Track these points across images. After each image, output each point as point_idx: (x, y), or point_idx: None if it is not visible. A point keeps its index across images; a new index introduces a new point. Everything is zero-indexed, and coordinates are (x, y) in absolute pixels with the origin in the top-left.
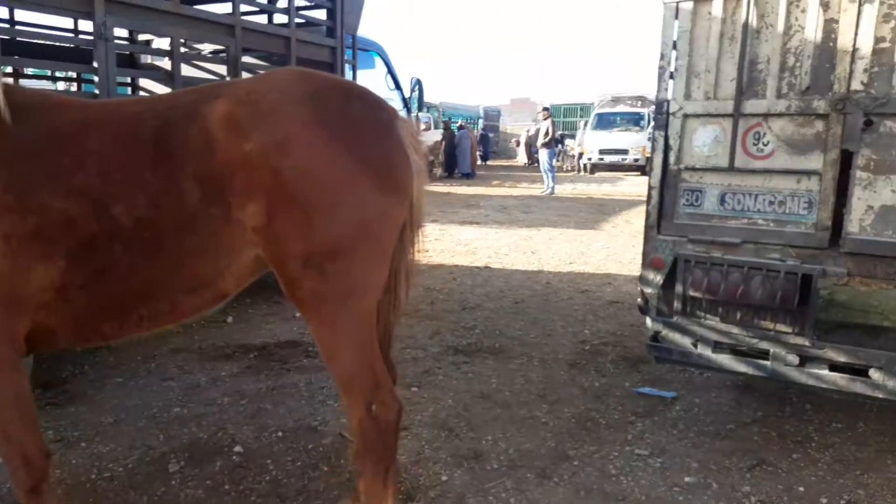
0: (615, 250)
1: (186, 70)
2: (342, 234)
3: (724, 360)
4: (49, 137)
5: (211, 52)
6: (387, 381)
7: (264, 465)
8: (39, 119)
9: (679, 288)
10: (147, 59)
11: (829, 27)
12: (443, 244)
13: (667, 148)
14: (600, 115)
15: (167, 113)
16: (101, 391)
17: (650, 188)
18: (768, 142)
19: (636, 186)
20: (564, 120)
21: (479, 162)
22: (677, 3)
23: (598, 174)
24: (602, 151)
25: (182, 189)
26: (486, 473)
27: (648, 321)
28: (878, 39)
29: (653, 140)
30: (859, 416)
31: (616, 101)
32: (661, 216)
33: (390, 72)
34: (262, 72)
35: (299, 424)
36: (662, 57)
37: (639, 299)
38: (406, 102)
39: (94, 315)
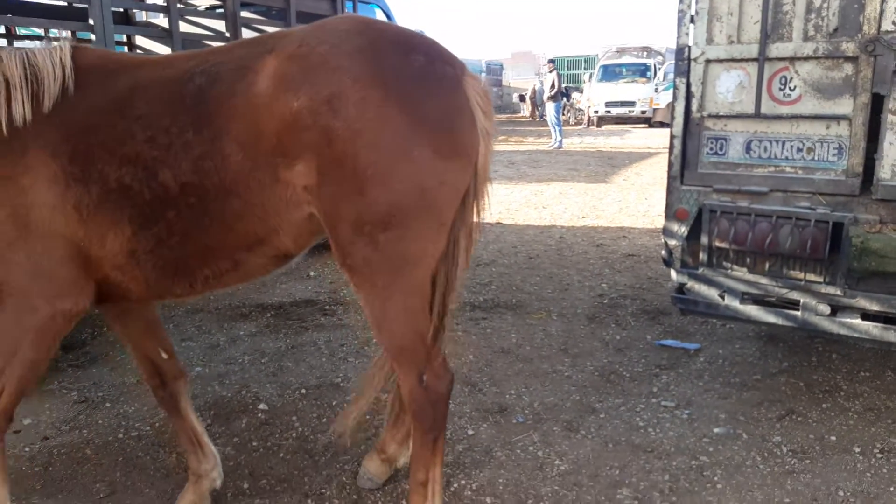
0: (628, 203)
1: (184, 27)
2: (397, 202)
3: (753, 311)
4: (104, 105)
5: (208, 7)
6: (438, 351)
7: (290, 422)
8: (97, 85)
9: (704, 239)
10: (143, 16)
11: None
12: None
13: (689, 95)
14: (605, 67)
15: (215, 69)
16: (122, 352)
17: (672, 137)
18: (795, 86)
19: (644, 139)
20: (569, 73)
21: None
22: None
23: (605, 127)
24: (608, 104)
25: (225, 152)
26: (511, 427)
27: (673, 273)
28: None
29: (674, 87)
30: (887, 365)
31: (621, 52)
32: (684, 166)
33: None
34: (264, 27)
35: (322, 381)
36: (682, 0)
37: (663, 251)
38: None
39: (163, 276)
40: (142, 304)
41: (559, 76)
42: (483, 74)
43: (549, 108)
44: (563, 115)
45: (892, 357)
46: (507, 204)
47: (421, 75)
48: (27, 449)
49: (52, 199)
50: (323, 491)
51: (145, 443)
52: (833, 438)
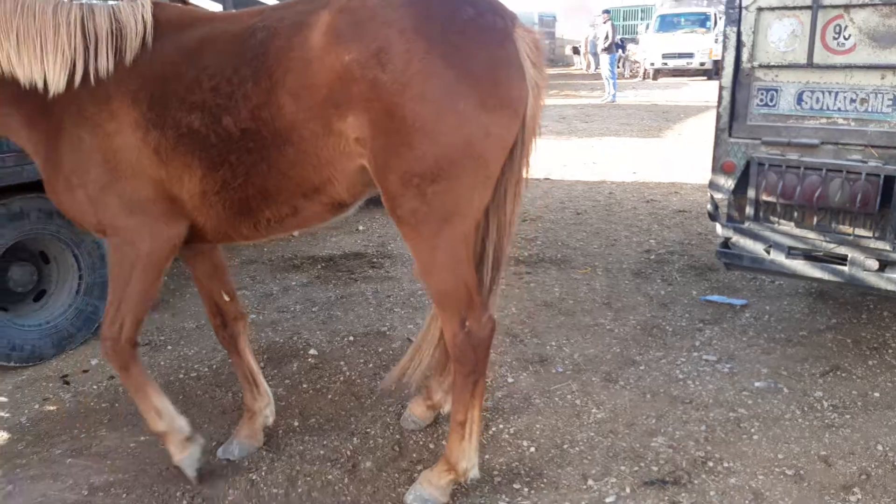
0: (681, 158)
1: None
2: (444, 154)
3: (799, 265)
4: (176, 56)
5: None
6: (481, 298)
7: (338, 367)
8: (172, 38)
9: (752, 192)
10: None
11: None
12: None
13: (739, 45)
14: (663, 17)
15: (275, 25)
16: (182, 300)
17: (721, 89)
18: (850, 35)
19: (702, 92)
20: (624, 23)
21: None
22: None
23: (661, 80)
24: (665, 56)
25: (280, 102)
26: (551, 376)
27: (718, 227)
28: None
29: (724, 37)
30: None
31: (679, 0)
32: (732, 118)
33: None
34: None
35: (369, 330)
36: None
37: (708, 205)
38: None
39: (231, 217)
40: (216, 244)
41: (614, 27)
42: (535, 26)
43: (604, 60)
44: (619, 67)
45: None
46: (556, 159)
47: (469, 27)
48: (95, 387)
49: (135, 143)
50: (368, 430)
51: (203, 383)
52: (877, 395)
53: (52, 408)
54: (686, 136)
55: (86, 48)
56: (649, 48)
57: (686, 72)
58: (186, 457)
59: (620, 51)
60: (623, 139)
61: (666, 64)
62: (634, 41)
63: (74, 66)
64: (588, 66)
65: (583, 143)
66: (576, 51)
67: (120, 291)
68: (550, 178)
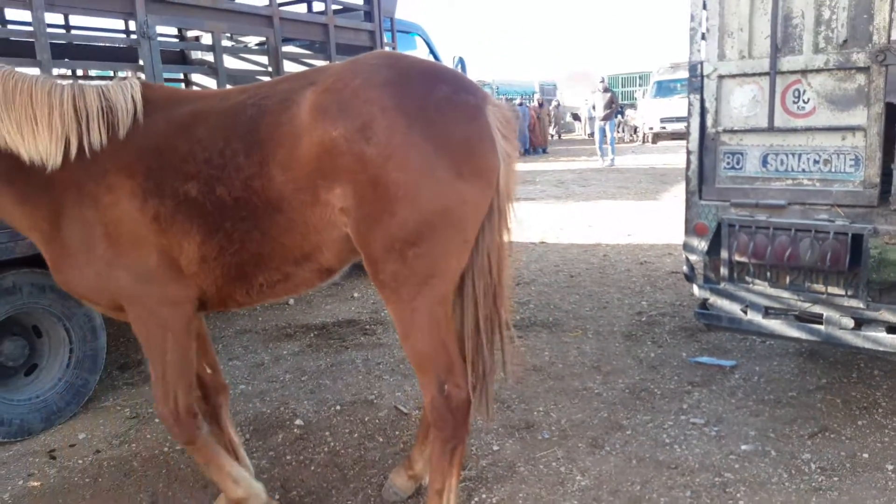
0: (676, 220)
1: (233, 62)
2: (424, 220)
3: (776, 325)
4: (170, 130)
5: (257, 45)
6: (460, 363)
7: (323, 437)
8: (163, 113)
9: (724, 253)
10: (198, 54)
11: None
12: None
13: (703, 111)
14: (660, 83)
15: (263, 102)
16: None
17: (688, 153)
18: (808, 99)
19: None
20: (623, 90)
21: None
22: None
23: (660, 143)
24: (664, 120)
25: (271, 174)
26: (536, 443)
27: (695, 289)
28: None
29: (689, 104)
30: None
31: (675, 67)
32: (701, 181)
33: (432, 51)
34: (309, 62)
35: (356, 398)
36: (693, 18)
37: (684, 267)
38: None
39: (227, 283)
40: (210, 311)
41: (613, 94)
42: (536, 95)
43: (605, 126)
44: (618, 132)
45: None
46: (552, 223)
47: (444, 104)
48: (80, 461)
49: (133, 212)
50: (349, 503)
51: (188, 456)
52: (865, 456)
53: (35, 484)
54: (681, 198)
55: (78, 124)
56: (647, 113)
57: (684, 135)
58: None
59: (619, 116)
60: (619, 202)
61: (664, 128)
62: (633, 107)
63: (68, 141)
64: (586, 132)
65: (580, 206)
66: (576, 117)
67: (160, 363)
68: (546, 242)
